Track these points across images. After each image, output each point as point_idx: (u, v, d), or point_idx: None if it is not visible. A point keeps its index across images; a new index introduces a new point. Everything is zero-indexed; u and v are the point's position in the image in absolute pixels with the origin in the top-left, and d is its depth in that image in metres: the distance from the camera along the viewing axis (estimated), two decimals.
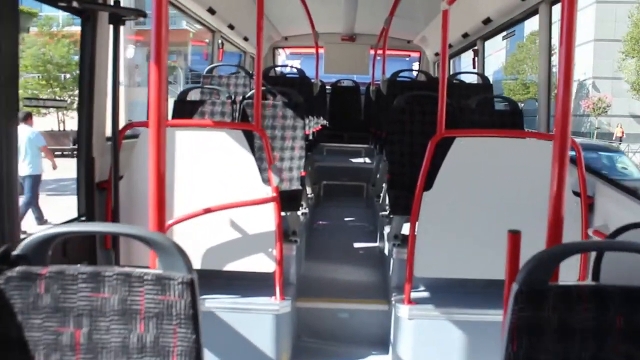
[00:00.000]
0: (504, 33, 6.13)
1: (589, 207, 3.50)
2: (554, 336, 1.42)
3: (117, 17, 3.33)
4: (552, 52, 4.62)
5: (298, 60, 11.77)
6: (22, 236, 2.38)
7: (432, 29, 7.67)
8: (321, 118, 7.57)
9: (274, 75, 7.24)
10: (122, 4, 3.39)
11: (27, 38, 26.27)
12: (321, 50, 8.24)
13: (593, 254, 2.60)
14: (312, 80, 6.72)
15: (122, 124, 3.61)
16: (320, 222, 6.03)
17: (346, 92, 8.89)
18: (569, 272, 3.15)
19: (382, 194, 5.47)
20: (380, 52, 7.37)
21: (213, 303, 3.46)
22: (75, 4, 3.06)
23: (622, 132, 33.58)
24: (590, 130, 35.92)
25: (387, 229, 4.61)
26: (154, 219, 1.81)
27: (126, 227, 1.50)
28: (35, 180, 9.83)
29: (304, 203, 4.93)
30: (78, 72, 3.52)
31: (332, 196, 6.98)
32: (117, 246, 3.42)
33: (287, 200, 3.85)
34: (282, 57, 11.29)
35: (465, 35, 6.54)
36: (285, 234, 3.79)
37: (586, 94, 36.65)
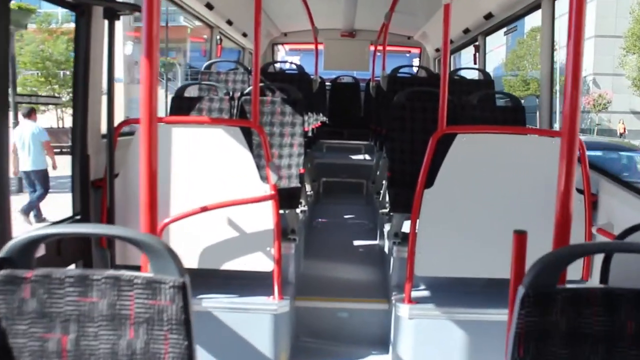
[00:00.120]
0: (505, 29, 6.08)
1: (592, 204, 3.44)
2: (562, 341, 1.36)
3: (112, 12, 3.27)
4: (554, 47, 4.56)
5: (297, 57, 11.69)
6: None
7: (433, 24, 7.60)
8: (321, 115, 7.50)
9: (273, 72, 7.17)
10: None
11: (25, 35, 26.18)
12: (321, 47, 8.17)
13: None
14: (312, 77, 6.65)
15: (120, 121, 3.54)
16: (320, 220, 5.97)
17: (346, 88, 8.83)
18: (572, 271, 3.09)
19: (382, 192, 5.41)
20: (380, 48, 7.30)
21: (210, 303, 3.40)
22: None
23: (624, 129, 33.51)
24: (591, 126, 35.85)
25: (387, 227, 4.55)
26: (146, 219, 1.75)
27: (115, 228, 1.44)
28: (44, 174, 9.87)
29: (303, 201, 4.87)
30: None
31: (331, 193, 6.93)
32: (112, 245, 3.37)
33: (285, 198, 3.80)
34: (281, 53, 11.22)
35: (466, 31, 6.47)
36: (283, 232, 3.74)
37: (587, 91, 36.56)
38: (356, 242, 5.34)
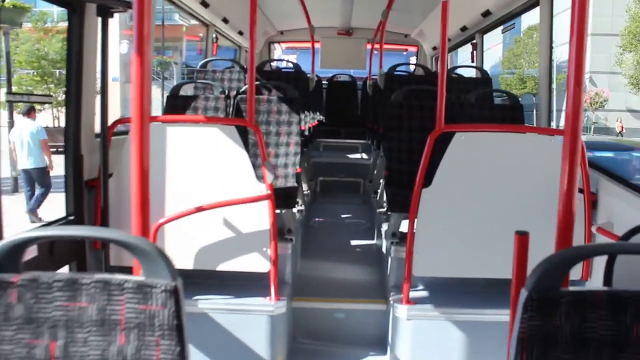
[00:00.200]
0: (503, 27, 6.04)
1: (592, 203, 3.41)
2: (567, 346, 1.32)
3: (106, 9, 3.22)
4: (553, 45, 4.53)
5: (294, 55, 11.65)
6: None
7: (430, 22, 7.57)
8: (317, 113, 7.47)
9: (269, 70, 7.13)
10: None
11: (21, 34, 26.04)
12: (317, 45, 8.13)
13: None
14: (308, 75, 6.61)
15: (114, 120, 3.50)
16: (317, 219, 5.93)
17: (343, 87, 8.79)
18: (571, 272, 3.06)
19: (379, 191, 5.37)
20: (377, 46, 7.26)
21: (206, 304, 3.36)
22: None
23: (622, 127, 33.55)
24: (588, 124, 35.89)
25: (384, 227, 4.51)
26: (137, 221, 1.71)
27: (104, 230, 1.40)
28: (45, 172, 9.87)
29: (299, 200, 4.83)
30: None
31: (328, 192, 6.89)
32: (107, 246, 3.32)
33: (282, 197, 3.76)
34: (278, 51, 11.18)
35: (463, 29, 6.44)
36: (280, 232, 3.69)
37: (583, 89, 36.56)
38: (353, 242, 5.30)
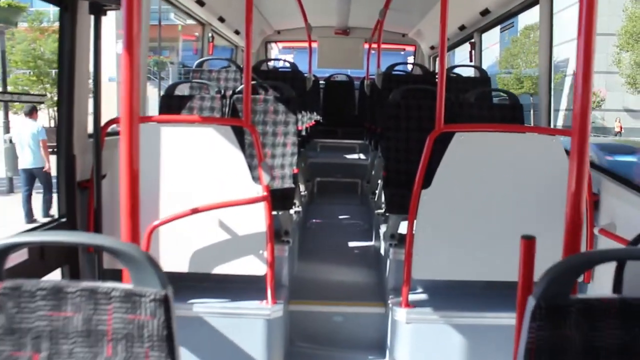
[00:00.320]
0: (501, 26, 6.00)
1: (594, 205, 3.36)
2: (577, 356, 1.26)
3: (98, 7, 3.15)
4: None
5: (291, 55, 11.59)
6: None
7: (428, 22, 7.51)
8: (314, 113, 7.41)
9: (266, 70, 7.06)
10: None
11: (17, 33, 25.92)
12: (314, 45, 8.07)
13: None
14: (305, 75, 6.55)
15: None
16: (314, 221, 5.87)
17: (340, 86, 8.74)
18: None
19: (377, 192, 5.31)
20: (374, 46, 7.21)
21: (201, 308, 3.30)
22: None
23: (621, 127, 33.56)
24: None
25: (383, 228, 4.45)
26: (127, 226, 1.64)
27: (90, 235, 1.32)
28: (47, 172, 9.86)
29: (296, 201, 4.77)
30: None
31: (326, 193, 6.83)
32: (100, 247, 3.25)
33: (278, 198, 3.69)
34: (274, 51, 11.11)
35: (462, 28, 6.39)
36: (277, 234, 3.63)
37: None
38: (351, 244, 5.24)
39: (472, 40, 6.45)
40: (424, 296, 3.57)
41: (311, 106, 7.10)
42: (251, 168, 3.37)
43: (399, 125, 4.31)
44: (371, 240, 5.19)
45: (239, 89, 4.71)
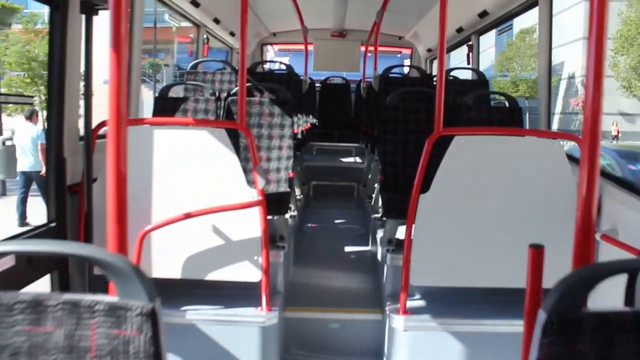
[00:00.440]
0: (495, 30, 5.95)
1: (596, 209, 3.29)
2: None
3: (90, 6, 3.08)
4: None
5: (287, 58, 11.53)
6: None
7: (425, 24, 7.46)
8: (310, 116, 7.34)
9: (262, 72, 7.00)
10: None
11: (11, 35, 25.81)
12: (310, 47, 8.01)
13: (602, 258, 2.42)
14: (301, 77, 6.48)
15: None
16: (310, 225, 5.80)
17: (336, 89, 8.68)
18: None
19: (374, 196, 5.24)
20: (370, 48, 7.15)
21: (194, 315, 3.22)
22: None
23: (618, 131, 33.58)
24: (580, 128, 35.90)
25: (379, 233, 4.38)
26: (113, 233, 1.56)
27: (72, 245, 1.24)
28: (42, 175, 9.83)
29: (292, 205, 4.69)
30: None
31: (321, 197, 6.76)
32: None
33: (274, 203, 3.62)
34: (270, 54, 11.05)
35: (459, 30, 6.33)
36: (272, 239, 3.55)
37: (575, 92, 36.68)
38: (347, 249, 5.17)
39: (470, 43, 6.39)
40: (422, 303, 3.50)
41: (307, 109, 7.04)
42: (246, 172, 3.29)
43: (397, 128, 4.25)
44: (368, 245, 5.12)
45: (233, 91, 4.63)
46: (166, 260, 3.17)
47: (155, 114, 4.33)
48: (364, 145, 6.84)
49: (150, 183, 3.14)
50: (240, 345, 3.19)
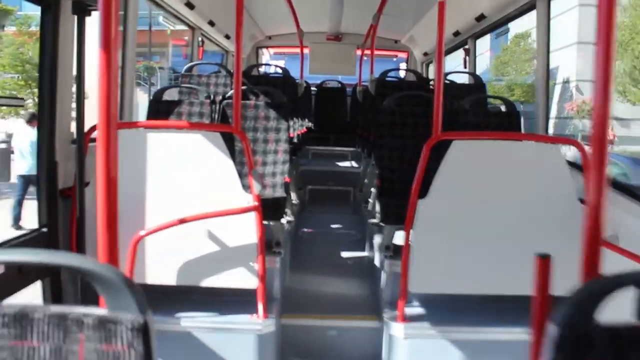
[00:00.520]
0: (490, 34, 5.93)
1: None
2: None
3: (82, 7, 3.02)
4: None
5: (282, 61, 11.48)
6: None
7: (421, 28, 7.43)
8: (306, 120, 7.30)
9: (257, 75, 6.95)
10: None
11: (4, 37, 25.67)
12: (306, 50, 7.96)
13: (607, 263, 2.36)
14: (297, 81, 6.43)
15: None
16: (306, 230, 5.74)
17: (332, 93, 8.63)
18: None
19: (370, 200, 5.19)
20: (366, 52, 7.11)
21: (189, 322, 3.15)
22: None
23: (614, 135, 33.66)
24: (575, 132, 36.01)
25: (376, 238, 4.33)
26: (103, 242, 1.49)
27: (57, 254, 1.17)
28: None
29: (288, 210, 4.64)
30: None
31: (317, 201, 6.71)
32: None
33: (269, 208, 3.56)
34: (266, 57, 11.00)
35: (456, 34, 6.29)
36: (268, 245, 3.49)
37: (570, 97, 36.81)
38: (344, 254, 5.11)
39: (467, 47, 6.36)
40: (420, 310, 3.45)
41: (303, 113, 6.99)
42: (241, 176, 3.23)
43: (394, 132, 4.20)
44: (364, 250, 5.07)
45: (228, 94, 4.58)
46: (160, 266, 3.10)
47: (149, 117, 4.27)
48: (360, 150, 6.79)
49: (144, 188, 3.08)
50: (236, 353, 3.12)
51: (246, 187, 3.14)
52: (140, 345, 1.10)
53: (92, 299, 1.34)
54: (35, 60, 25.96)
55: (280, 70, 7.06)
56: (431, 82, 6.13)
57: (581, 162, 3.22)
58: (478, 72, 6.91)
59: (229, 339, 3.13)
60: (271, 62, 10.56)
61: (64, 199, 3.17)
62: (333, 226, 5.99)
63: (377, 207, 4.39)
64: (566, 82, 36.98)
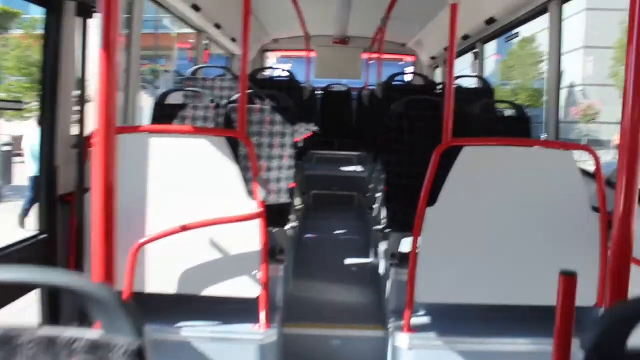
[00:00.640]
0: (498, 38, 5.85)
1: (608, 224, 3.16)
2: None
3: (87, 9, 2.97)
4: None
5: (288, 64, 11.43)
6: None
7: (428, 32, 7.36)
8: (311, 124, 7.23)
9: (262, 79, 6.88)
10: None
11: (11, 40, 25.72)
12: (312, 54, 7.91)
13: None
14: (303, 84, 6.36)
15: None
16: (310, 236, 5.66)
17: (338, 97, 8.56)
18: (582, 297, 2.81)
19: (376, 206, 5.11)
20: (373, 55, 7.05)
21: (189, 332, 3.08)
22: None
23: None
24: (580, 137, 35.90)
25: (382, 245, 4.25)
26: (99, 256, 1.41)
27: (44, 272, 1.09)
28: None
29: (293, 216, 4.56)
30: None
31: (322, 206, 6.63)
32: (81, 267, 3.02)
33: (274, 215, 3.48)
34: (272, 61, 10.95)
35: (465, 38, 6.21)
36: (271, 252, 3.42)
37: (575, 101, 36.70)
38: (348, 261, 5.02)
39: (476, 51, 6.29)
40: (427, 320, 3.36)
41: (308, 117, 6.93)
42: (245, 181, 3.16)
43: (402, 137, 4.12)
44: (369, 257, 4.99)
45: (233, 98, 4.51)
46: (161, 274, 3.03)
47: (153, 121, 4.22)
48: (365, 154, 6.71)
49: (146, 193, 3.01)
50: None
51: (251, 193, 3.07)
52: None
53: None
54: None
55: (285, 74, 7.00)
56: (439, 87, 6.06)
57: (594, 169, 3.13)
58: (485, 76, 6.84)
59: (230, 349, 3.06)
60: (277, 65, 10.49)
61: (63, 205, 3.10)
62: (337, 232, 5.91)
63: (383, 213, 4.30)
64: (571, 86, 36.88)
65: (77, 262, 3.03)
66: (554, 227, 3.03)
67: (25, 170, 9.98)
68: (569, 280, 1.25)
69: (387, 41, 7.02)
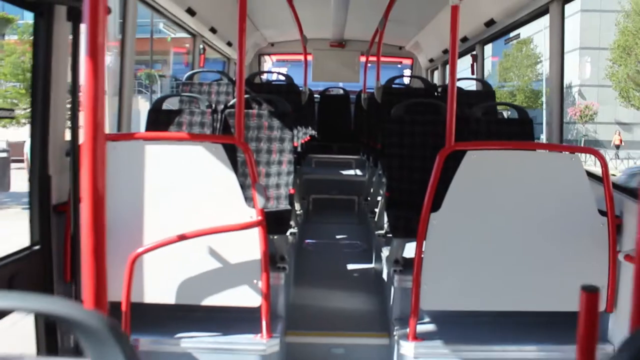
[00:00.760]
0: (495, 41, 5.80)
1: (616, 228, 3.09)
2: None
3: (77, 13, 2.88)
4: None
5: (285, 68, 11.36)
6: None
7: (426, 34, 7.31)
8: (309, 128, 7.15)
9: (259, 83, 6.81)
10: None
11: (6, 46, 25.63)
12: (309, 57, 7.84)
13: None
14: (300, 88, 6.29)
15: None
16: (310, 241, 5.58)
17: (335, 100, 8.49)
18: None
19: (377, 211, 5.03)
20: (371, 58, 6.98)
21: (190, 343, 3.00)
22: None
23: (620, 140, 33.52)
24: (578, 137, 35.96)
25: (384, 251, 4.17)
26: (89, 279, 1.31)
27: (27, 298, 0.99)
28: None
29: (292, 222, 4.48)
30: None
31: (321, 211, 6.55)
32: (77, 277, 2.94)
33: (273, 221, 3.40)
34: (268, 64, 10.88)
35: (464, 39, 6.15)
36: (272, 259, 3.34)
37: (572, 102, 36.76)
38: (350, 267, 4.94)
39: (474, 53, 6.22)
40: (432, 327, 3.29)
41: (306, 121, 6.85)
42: (244, 188, 3.08)
43: (403, 141, 4.04)
44: (370, 262, 4.90)
45: (231, 103, 4.43)
46: (159, 284, 2.95)
47: (148, 127, 4.13)
48: (364, 158, 6.64)
49: (142, 202, 2.93)
50: None
51: (249, 200, 2.99)
52: None
53: None
54: None
55: (282, 78, 6.92)
56: (438, 89, 5.99)
57: (602, 172, 3.06)
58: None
59: None
60: (274, 69, 10.42)
61: (57, 215, 3.01)
62: (338, 237, 5.83)
63: (385, 219, 4.23)
64: (568, 87, 36.93)
65: (72, 275, 2.94)
66: (561, 231, 2.97)
67: (26, 176, 9.94)
68: (590, 297, 1.15)
69: (384, 44, 6.95)
